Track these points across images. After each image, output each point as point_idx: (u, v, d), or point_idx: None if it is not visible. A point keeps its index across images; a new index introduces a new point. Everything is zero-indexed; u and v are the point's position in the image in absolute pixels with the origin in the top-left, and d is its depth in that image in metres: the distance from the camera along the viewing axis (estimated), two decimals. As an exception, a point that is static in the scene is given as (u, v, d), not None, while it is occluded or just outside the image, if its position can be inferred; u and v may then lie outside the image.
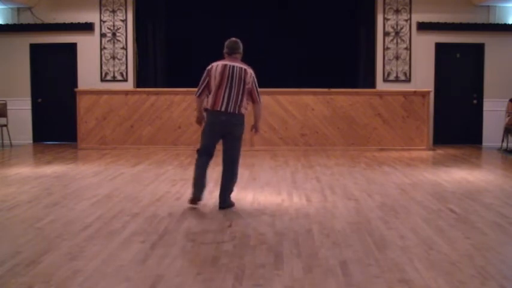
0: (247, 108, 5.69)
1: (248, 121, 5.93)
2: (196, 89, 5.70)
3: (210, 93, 5.59)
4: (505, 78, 11.38)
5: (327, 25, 11.61)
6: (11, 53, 11.64)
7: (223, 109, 5.50)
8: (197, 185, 5.70)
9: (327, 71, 11.50)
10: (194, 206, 5.71)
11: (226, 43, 5.74)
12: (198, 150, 5.80)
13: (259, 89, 5.69)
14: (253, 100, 5.65)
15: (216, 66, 5.59)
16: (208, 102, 5.60)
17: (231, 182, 5.77)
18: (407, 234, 4.73)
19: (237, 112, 5.54)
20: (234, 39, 5.77)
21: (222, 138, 5.69)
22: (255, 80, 5.63)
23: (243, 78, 5.53)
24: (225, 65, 5.56)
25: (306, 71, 11.72)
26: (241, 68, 5.58)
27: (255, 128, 5.88)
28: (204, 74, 5.64)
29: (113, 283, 3.59)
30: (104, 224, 5.05)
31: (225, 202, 5.70)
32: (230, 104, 5.50)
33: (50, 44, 11.57)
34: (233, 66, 5.56)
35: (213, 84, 5.54)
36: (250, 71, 5.61)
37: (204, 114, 5.72)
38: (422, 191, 6.69)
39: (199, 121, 5.86)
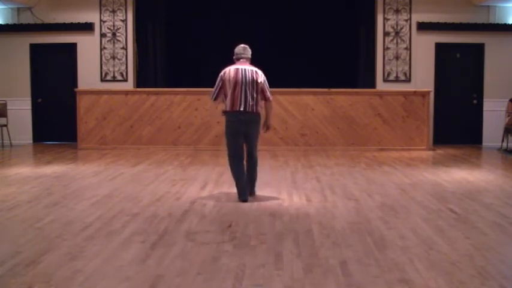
0: (262, 107, 6.05)
1: None
2: (211, 92, 6.08)
3: (226, 97, 5.95)
4: (505, 78, 11.38)
5: (327, 25, 11.60)
6: (11, 53, 11.64)
7: (241, 109, 5.87)
8: (240, 189, 6.00)
9: (327, 71, 11.50)
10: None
11: (235, 49, 6.11)
12: (228, 155, 6.11)
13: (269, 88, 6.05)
14: (265, 98, 6.00)
15: (229, 70, 5.96)
16: (226, 105, 5.96)
17: (254, 172, 6.18)
18: (407, 234, 4.73)
19: (254, 111, 5.92)
20: (242, 45, 6.15)
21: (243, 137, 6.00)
22: (265, 79, 6.01)
23: (255, 78, 5.91)
24: (237, 69, 5.94)
25: (306, 71, 11.70)
26: (252, 69, 5.97)
27: (266, 125, 6.18)
28: (218, 79, 5.99)
29: (113, 283, 3.59)
30: (104, 224, 5.05)
31: (252, 188, 6.16)
32: (247, 103, 5.87)
33: (50, 44, 11.57)
34: (245, 69, 5.94)
35: (228, 88, 5.88)
36: (260, 71, 6.01)
37: (224, 116, 6.08)
38: (422, 191, 6.69)
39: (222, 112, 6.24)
